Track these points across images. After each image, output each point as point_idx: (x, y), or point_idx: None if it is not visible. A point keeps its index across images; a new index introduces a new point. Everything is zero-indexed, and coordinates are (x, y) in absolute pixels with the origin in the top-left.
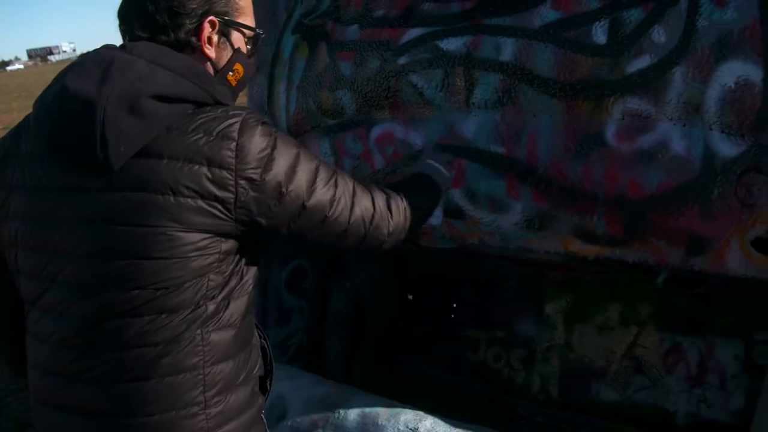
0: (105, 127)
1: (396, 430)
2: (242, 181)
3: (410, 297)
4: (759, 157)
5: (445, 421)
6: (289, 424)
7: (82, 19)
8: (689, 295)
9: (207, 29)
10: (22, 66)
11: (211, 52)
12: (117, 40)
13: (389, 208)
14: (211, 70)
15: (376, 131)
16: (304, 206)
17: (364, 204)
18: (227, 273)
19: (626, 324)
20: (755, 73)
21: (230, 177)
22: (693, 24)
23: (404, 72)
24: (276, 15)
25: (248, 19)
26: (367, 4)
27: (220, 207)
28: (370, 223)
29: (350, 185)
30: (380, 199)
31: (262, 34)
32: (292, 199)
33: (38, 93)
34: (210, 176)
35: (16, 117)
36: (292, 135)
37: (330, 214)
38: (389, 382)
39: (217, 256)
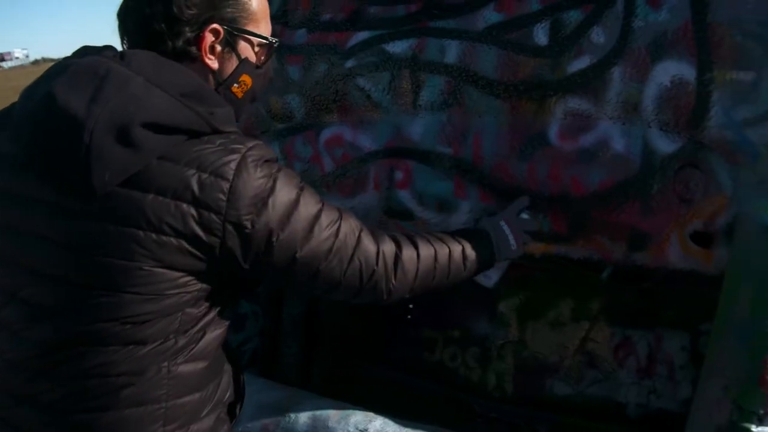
0: (90, 153)
1: (346, 431)
2: (230, 227)
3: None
4: (695, 153)
5: (395, 422)
6: (240, 430)
7: (35, 25)
8: (637, 289)
9: (209, 38)
10: None
11: (213, 62)
12: (70, 46)
13: (395, 264)
14: (213, 82)
15: (325, 134)
16: (294, 258)
17: (365, 256)
18: (204, 307)
19: (578, 320)
20: (689, 72)
21: (218, 221)
22: (629, 25)
23: (352, 75)
24: None
25: (261, 26)
26: (315, 8)
27: (203, 250)
28: (369, 279)
29: (355, 234)
30: (388, 253)
31: (276, 42)
32: (282, 249)
33: None
34: (197, 217)
35: None
36: None
37: (323, 267)
38: (347, 385)
39: (195, 293)
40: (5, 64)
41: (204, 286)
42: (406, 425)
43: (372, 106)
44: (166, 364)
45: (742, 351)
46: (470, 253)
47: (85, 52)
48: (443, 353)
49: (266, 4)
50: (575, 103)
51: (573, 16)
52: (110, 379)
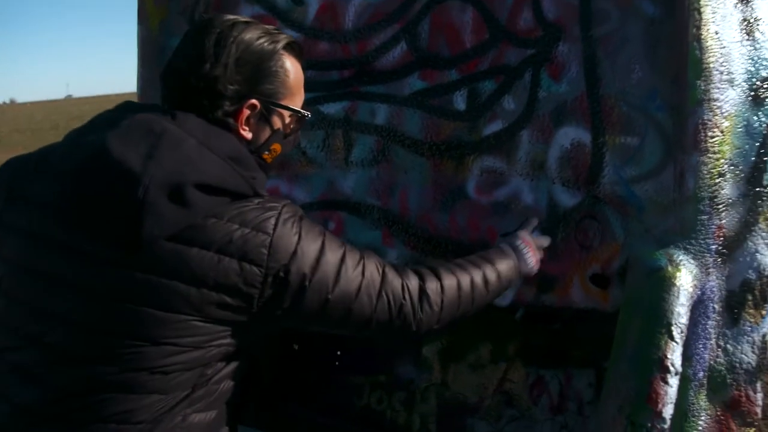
0: (143, 208)
1: None
2: (270, 278)
3: (296, 347)
4: (592, 206)
5: None
6: None
7: None
8: (548, 331)
9: (246, 112)
10: None
11: (246, 134)
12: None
13: (421, 296)
14: (245, 148)
15: None
16: (327, 300)
17: (392, 291)
18: (225, 361)
19: (496, 361)
20: (585, 136)
21: (259, 273)
22: (535, 95)
23: None
24: None
25: (296, 99)
26: None
27: (241, 302)
28: (398, 313)
29: (379, 271)
30: (412, 286)
31: (308, 115)
32: (314, 293)
33: None
34: (239, 270)
35: None
36: None
37: (355, 305)
38: (279, 430)
39: (224, 348)
40: None
41: (232, 340)
42: None
43: (307, 162)
44: (182, 413)
45: (633, 374)
46: (492, 276)
47: (130, 107)
48: (370, 397)
49: (302, 76)
50: (490, 162)
51: (487, 86)
52: (128, 426)
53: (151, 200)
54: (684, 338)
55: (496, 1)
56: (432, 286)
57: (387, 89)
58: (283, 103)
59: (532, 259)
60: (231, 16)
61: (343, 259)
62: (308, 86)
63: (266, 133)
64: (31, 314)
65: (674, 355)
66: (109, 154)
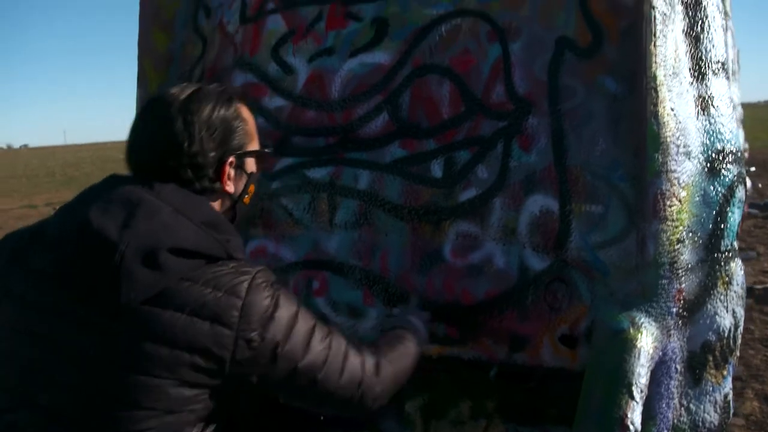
0: (120, 274)
1: None
2: (241, 342)
3: (281, 400)
4: (560, 269)
5: None
6: None
7: None
8: (524, 389)
9: (227, 170)
10: None
11: (230, 188)
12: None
13: (377, 373)
14: (228, 201)
15: (251, 246)
16: (296, 369)
17: (353, 367)
18: (200, 425)
19: (476, 418)
20: (553, 204)
21: (230, 336)
22: (507, 164)
23: (276, 195)
24: None
25: (256, 140)
26: None
27: (213, 364)
28: (358, 388)
29: (343, 347)
30: (370, 364)
31: (270, 150)
32: (286, 360)
33: None
34: (210, 333)
35: None
36: None
37: (320, 377)
38: None
39: (198, 412)
40: None
41: (207, 404)
42: None
43: (293, 223)
44: None
45: (596, 431)
46: (412, 346)
47: (114, 181)
48: None
49: (253, 117)
50: (465, 227)
51: (462, 155)
52: None
53: (126, 266)
54: (644, 398)
55: (472, 76)
56: (385, 361)
57: (369, 156)
58: (250, 148)
59: (424, 330)
60: (176, 89)
61: (313, 331)
62: (296, 151)
63: (243, 180)
64: (26, 375)
65: (634, 414)
66: (90, 225)
